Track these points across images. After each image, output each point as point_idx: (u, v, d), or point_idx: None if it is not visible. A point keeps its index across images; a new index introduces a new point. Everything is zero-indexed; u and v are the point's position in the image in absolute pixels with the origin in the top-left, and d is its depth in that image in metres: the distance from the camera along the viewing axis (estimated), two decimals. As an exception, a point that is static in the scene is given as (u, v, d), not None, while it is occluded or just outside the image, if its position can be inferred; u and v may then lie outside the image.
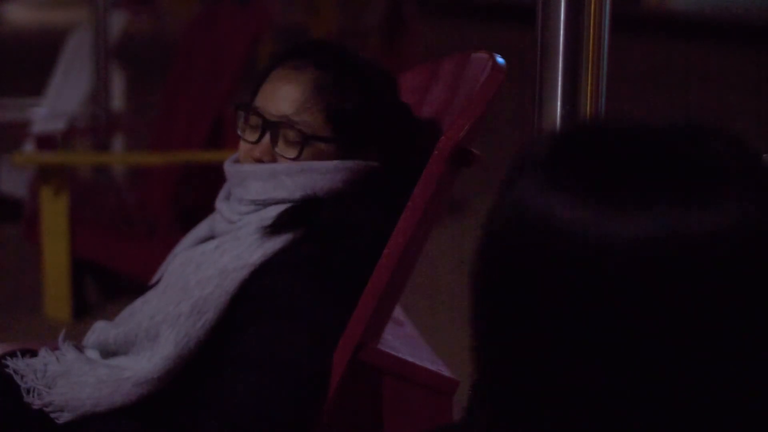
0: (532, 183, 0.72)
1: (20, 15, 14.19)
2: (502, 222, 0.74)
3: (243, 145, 1.61)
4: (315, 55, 1.60)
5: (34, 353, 1.61)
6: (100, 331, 1.60)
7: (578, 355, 0.69)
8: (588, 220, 0.69)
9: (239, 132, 1.61)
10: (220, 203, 1.64)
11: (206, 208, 1.78)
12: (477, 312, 0.76)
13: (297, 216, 1.55)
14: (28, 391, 1.53)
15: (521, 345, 0.72)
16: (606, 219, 0.68)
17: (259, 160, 1.58)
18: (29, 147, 4.22)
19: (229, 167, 1.63)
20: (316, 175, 1.56)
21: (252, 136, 1.59)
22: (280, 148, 1.57)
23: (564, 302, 0.69)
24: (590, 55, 1.25)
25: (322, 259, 1.52)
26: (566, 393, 0.70)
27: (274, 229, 1.53)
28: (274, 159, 1.58)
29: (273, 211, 1.56)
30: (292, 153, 1.56)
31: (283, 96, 1.57)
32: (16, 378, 1.55)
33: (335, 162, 1.57)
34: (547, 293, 0.70)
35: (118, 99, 4.77)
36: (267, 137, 1.58)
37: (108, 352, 1.59)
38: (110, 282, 3.72)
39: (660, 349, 0.67)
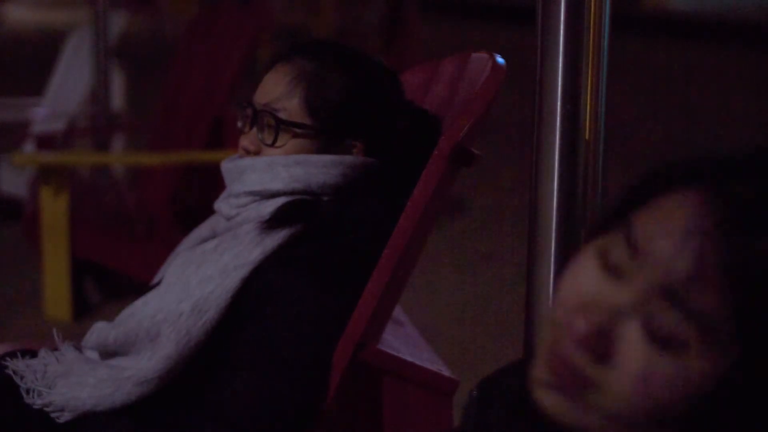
0: None
1: (20, 15, 14.19)
2: None
3: (240, 139, 1.64)
4: (304, 48, 1.65)
5: (33, 354, 1.61)
6: (99, 331, 1.60)
7: None
8: None
9: (239, 125, 1.65)
10: (218, 203, 1.65)
11: (206, 209, 1.78)
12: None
13: (295, 211, 1.55)
14: (28, 392, 1.53)
15: None
16: None
17: (247, 150, 1.62)
18: (29, 147, 4.22)
19: (227, 165, 1.64)
20: (312, 168, 1.57)
21: (246, 127, 1.64)
22: (263, 135, 1.61)
23: None
24: (590, 55, 1.25)
25: (322, 255, 1.52)
26: None
27: (272, 223, 1.54)
28: (259, 149, 1.61)
29: (270, 206, 1.57)
30: (269, 139, 1.59)
31: (269, 85, 1.62)
32: (16, 378, 1.55)
33: (332, 156, 1.58)
34: None
35: (118, 99, 4.77)
36: (255, 127, 1.62)
37: (107, 353, 1.59)
38: (110, 282, 3.72)
39: None
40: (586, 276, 0.76)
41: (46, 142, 3.92)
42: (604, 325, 0.73)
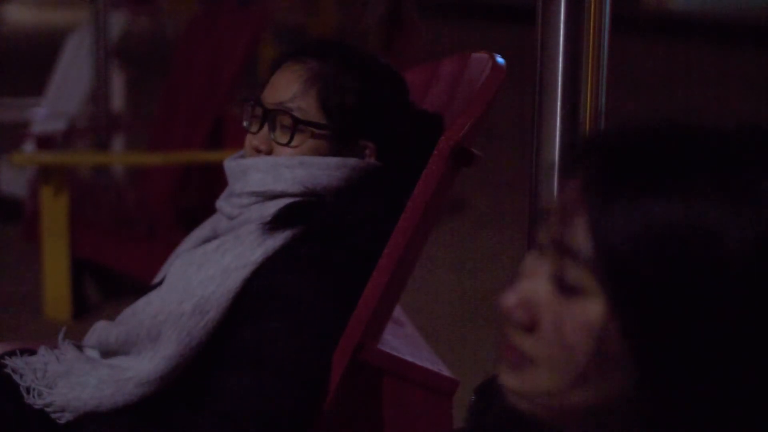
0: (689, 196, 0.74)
1: (20, 15, 14.19)
2: (679, 238, 0.74)
3: (247, 139, 1.63)
4: (318, 49, 1.64)
5: (33, 353, 1.61)
6: (101, 330, 1.61)
7: None
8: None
9: (245, 124, 1.63)
10: (220, 202, 1.65)
11: (206, 208, 1.78)
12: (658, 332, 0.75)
13: (297, 212, 1.55)
14: (28, 391, 1.53)
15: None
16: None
17: (258, 150, 1.60)
18: (29, 147, 4.22)
19: (230, 163, 1.64)
20: (316, 170, 1.57)
21: (254, 127, 1.62)
22: (276, 135, 1.59)
23: None
24: (590, 55, 1.25)
25: (323, 256, 1.52)
26: None
27: (274, 224, 1.54)
28: (271, 148, 1.60)
29: (273, 207, 1.56)
30: (284, 138, 1.58)
31: (282, 85, 1.61)
32: (15, 377, 1.55)
33: (336, 159, 1.58)
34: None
35: (118, 99, 4.77)
36: (266, 126, 1.60)
37: (108, 352, 1.59)
38: (110, 282, 3.72)
39: None
40: (525, 261, 0.83)
41: (46, 142, 3.92)
42: (526, 294, 0.80)
